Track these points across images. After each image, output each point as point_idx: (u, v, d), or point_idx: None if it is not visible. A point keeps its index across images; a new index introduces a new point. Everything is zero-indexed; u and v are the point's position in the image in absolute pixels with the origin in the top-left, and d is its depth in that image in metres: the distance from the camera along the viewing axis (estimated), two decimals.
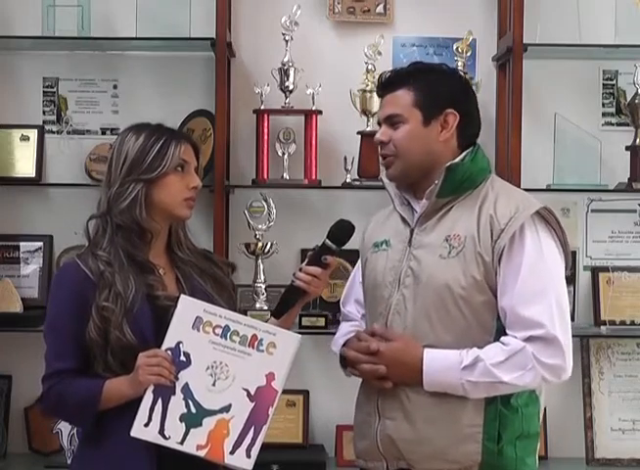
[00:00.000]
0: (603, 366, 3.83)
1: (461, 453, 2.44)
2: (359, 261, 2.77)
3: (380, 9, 3.85)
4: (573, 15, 3.78)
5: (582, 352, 3.79)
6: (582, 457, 3.78)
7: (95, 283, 2.42)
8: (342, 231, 2.57)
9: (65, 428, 3.59)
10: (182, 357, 2.37)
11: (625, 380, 3.84)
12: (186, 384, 2.37)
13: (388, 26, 3.84)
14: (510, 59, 3.62)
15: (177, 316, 2.38)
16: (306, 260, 2.56)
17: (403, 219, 2.59)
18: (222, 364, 2.38)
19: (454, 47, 3.75)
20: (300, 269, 2.54)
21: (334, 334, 2.77)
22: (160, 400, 2.35)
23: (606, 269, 3.85)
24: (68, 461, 3.62)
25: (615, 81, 3.90)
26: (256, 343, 2.39)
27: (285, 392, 3.64)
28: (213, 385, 2.37)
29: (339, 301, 2.90)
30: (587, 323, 3.79)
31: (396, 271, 2.52)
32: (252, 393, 2.37)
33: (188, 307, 2.39)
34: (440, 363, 2.43)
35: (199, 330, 2.38)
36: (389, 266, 2.54)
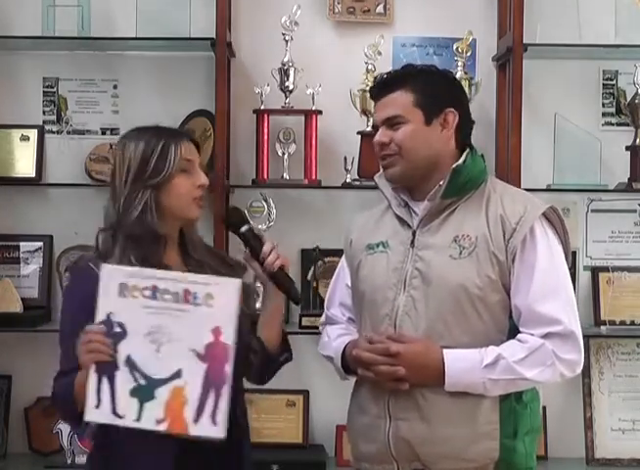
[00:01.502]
0: (603, 366, 3.83)
1: (478, 452, 2.44)
2: (342, 264, 2.75)
3: (380, 9, 3.84)
4: (573, 15, 3.78)
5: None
6: (582, 457, 3.78)
7: None
8: (237, 215, 2.59)
9: (65, 428, 3.61)
10: (117, 328, 2.22)
11: (625, 380, 3.84)
12: (128, 356, 2.21)
13: (388, 26, 3.84)
14: (510, 59, 3.62)
15: (102, 287, 2.24)
16: (254, 256, 2.51)
17: (401, 220, 2.58)
18: (161, 327, 2.20)
19: (454, 47, 3.74)
20: (263, 263, 2.49)
21: None
22: (105, 379, 2.22)
23: (606, 269, 3.86)
24: (68, 461, 3.64)
25: (615, 81, 3.90)
26: (191, 297, 2.21)
27: (285, 392, 3.71)
28: (157, 351, 2.20)
29: None
30: (587, 323, 3.78)
31: (400, 273, 2.51)
32: (202, 352, 2.19)
33: (111, 276, 2.25)
34: (462, 364, 2.42)
35: (126, 296, 2.23)
36: (392, 268, 2.53)
